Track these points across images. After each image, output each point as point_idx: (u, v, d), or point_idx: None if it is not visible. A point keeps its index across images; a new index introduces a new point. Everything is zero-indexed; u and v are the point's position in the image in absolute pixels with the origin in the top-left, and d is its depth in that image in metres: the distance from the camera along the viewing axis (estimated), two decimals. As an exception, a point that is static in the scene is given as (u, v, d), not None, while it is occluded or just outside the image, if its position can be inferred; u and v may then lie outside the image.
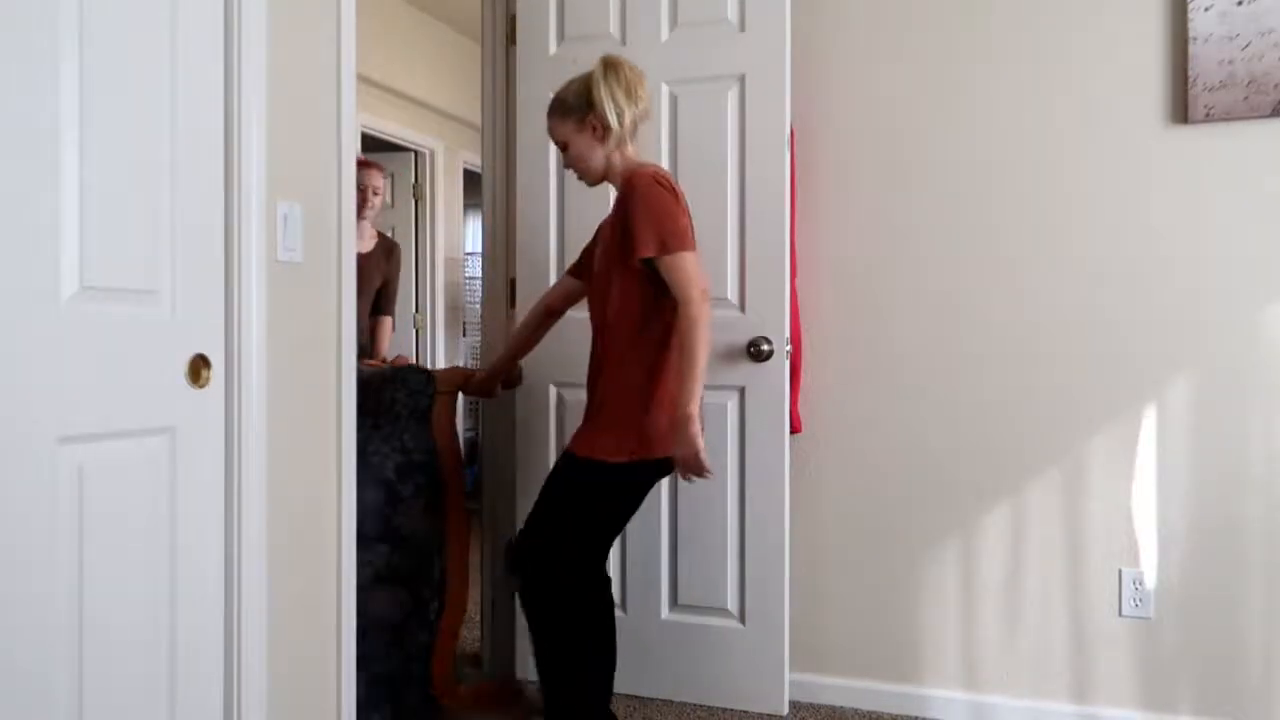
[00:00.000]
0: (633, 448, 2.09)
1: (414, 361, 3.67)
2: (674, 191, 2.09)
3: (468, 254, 6.15)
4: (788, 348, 2.60)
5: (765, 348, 2.59)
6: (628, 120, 2.16)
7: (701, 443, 2.02)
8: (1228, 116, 2.36)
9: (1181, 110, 2.41)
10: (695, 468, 2.03)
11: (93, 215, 1.50)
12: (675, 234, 2.03)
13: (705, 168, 2.66)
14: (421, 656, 2.46)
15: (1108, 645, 2.47)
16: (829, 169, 2.75)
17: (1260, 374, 2.35)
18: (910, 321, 2.68)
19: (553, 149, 2.83)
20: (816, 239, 2.75)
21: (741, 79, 2.61)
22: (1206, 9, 2.36)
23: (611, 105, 2.14)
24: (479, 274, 3.35)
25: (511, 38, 3.00)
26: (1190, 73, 2.38)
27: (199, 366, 1.69)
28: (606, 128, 2.14)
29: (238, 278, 1.75)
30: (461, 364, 5.85)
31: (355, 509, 2.05)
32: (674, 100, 2.70)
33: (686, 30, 2.68)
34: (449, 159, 5.67)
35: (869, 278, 2.71)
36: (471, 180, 5.86)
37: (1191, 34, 2.37)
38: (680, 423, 2.02)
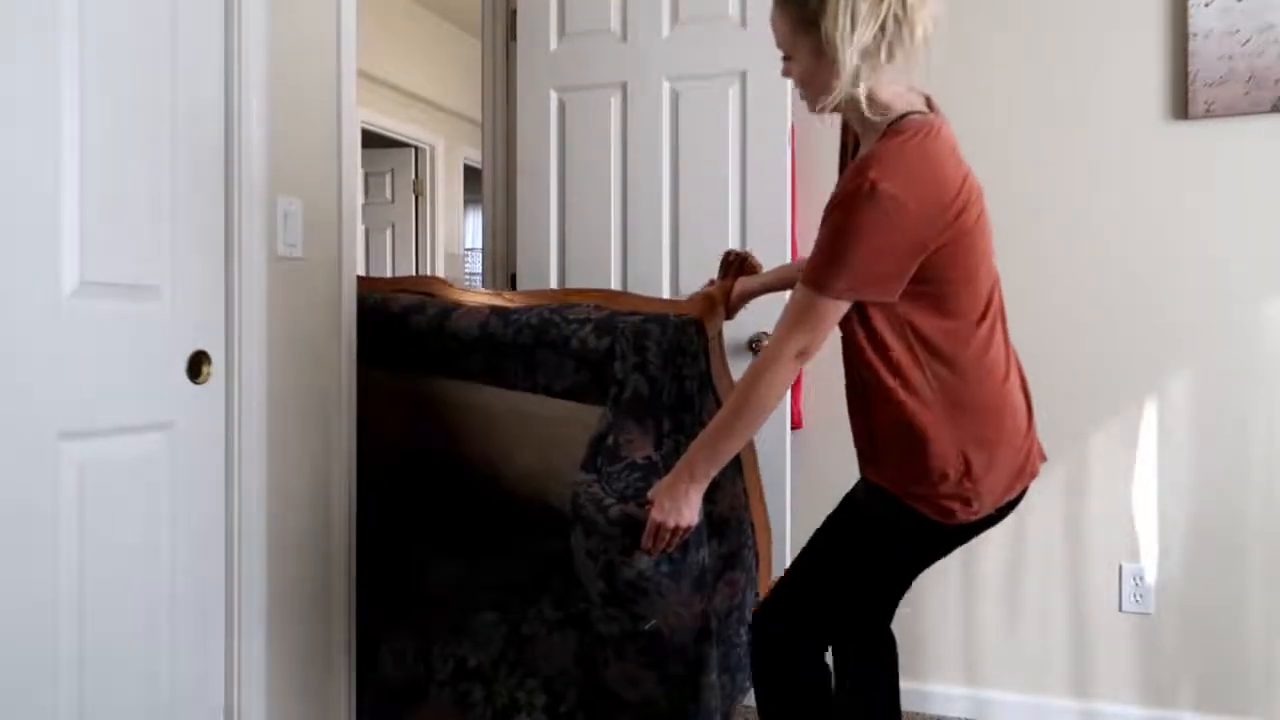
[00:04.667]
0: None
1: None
2: (918, 199, 1.41)
3: (468, 249, 6.15)
4: (788, 344, 2.59)
5: (766, 342, 2.59)
6: (857, 43, 1.44)
7: (695, 519, 1.61)
8: (1228, 112, 2.36)
9: (1182, 106, 2.41)
10: (660, 540, 1.62)
11: (93, 211, 1.50)
12: (840, 271, 1.43)
13: (707, 164, 2.66)
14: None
15: (1108, 640, 2.47)
16: (830, 165, 2.74)
17: (1262, 368, 2.35)
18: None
19: (554, 146, 2.83)
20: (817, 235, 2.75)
21: (743, 76, 2.61)
22: (1206, 4, 2.36)
23: (844, 17, 1.43)
24: (479, 269, 3.35)
25: (512, 33, 3.00)
26: (1190, 68, 2.38)
27: (199, 362, 1.69)
28: (830, 48, 1.45)
29: (238, 273, 1.75)
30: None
31: (356, 505, 2.05)
32: (675, 97, 2.70)
33: (688, 27, 2.68)
34: (449, 155, 5.67)
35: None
36: (472, 176, 5.86)
37: (1192, 30, 2.37)
38: (676, 484, 1.59)
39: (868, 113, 1.50)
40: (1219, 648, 2.38)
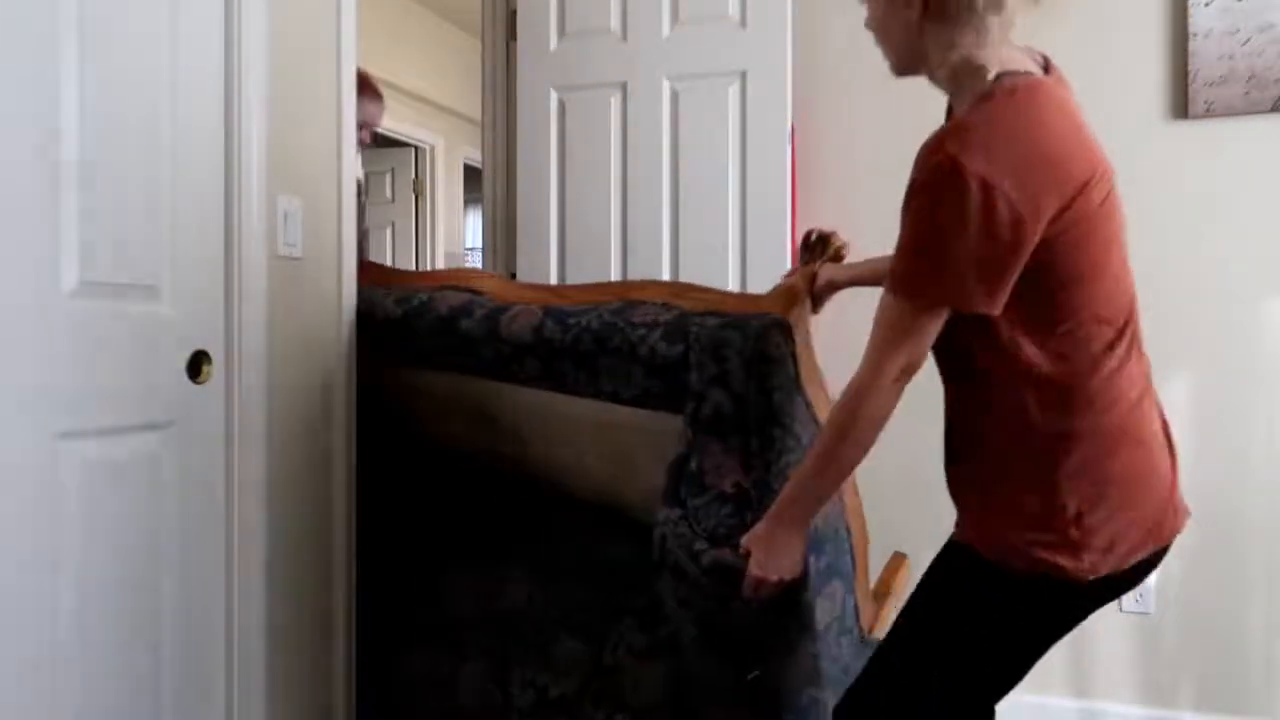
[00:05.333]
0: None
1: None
2: (1029, 172, 1.15)
3: (468, 249, 6.15)
4: (788, 343, 2.59)
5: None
6: None
7: (798, 569, 1.41)
8: (1228, 112, 2.36)
9: (1182, 105, 2.41)
10: (758, 592, 1.41)
11: (93, 210, 1.50)
12: (929, 275, 1.20)
13: (707, 164, 2.66)
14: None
15: (1108, 641, 2.47)
16: (830, 166, 2.74)
17: (1262, 368, 2.35)
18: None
19: (554, 144, 2.84)
20: (817, 235, 2.75)
21: (743, 75, 2.61)
22: (1206, 4, 2.36)
23: None
24: (480, 267, 3.34)
25: (512, 33, 3.00)
26: (1190, 68, 2.38)
27: (199, 362, 1.69)
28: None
29: (238, 273, 1.75)
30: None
31: (356, 505, 2.05)
32: (675, 97, 2.70)
33: (688, 27, 2.68)
34: (449, 154, 5.67)
35: (869, 273, 2.71)
36: (472, 175, 5.86)
37: (1192, 29, 2.37)
38: (773, 532, 1.40)
39: (967, 79, 1.25)
40: (1219, 648, 2.38)
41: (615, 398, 1.89)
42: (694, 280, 2.66)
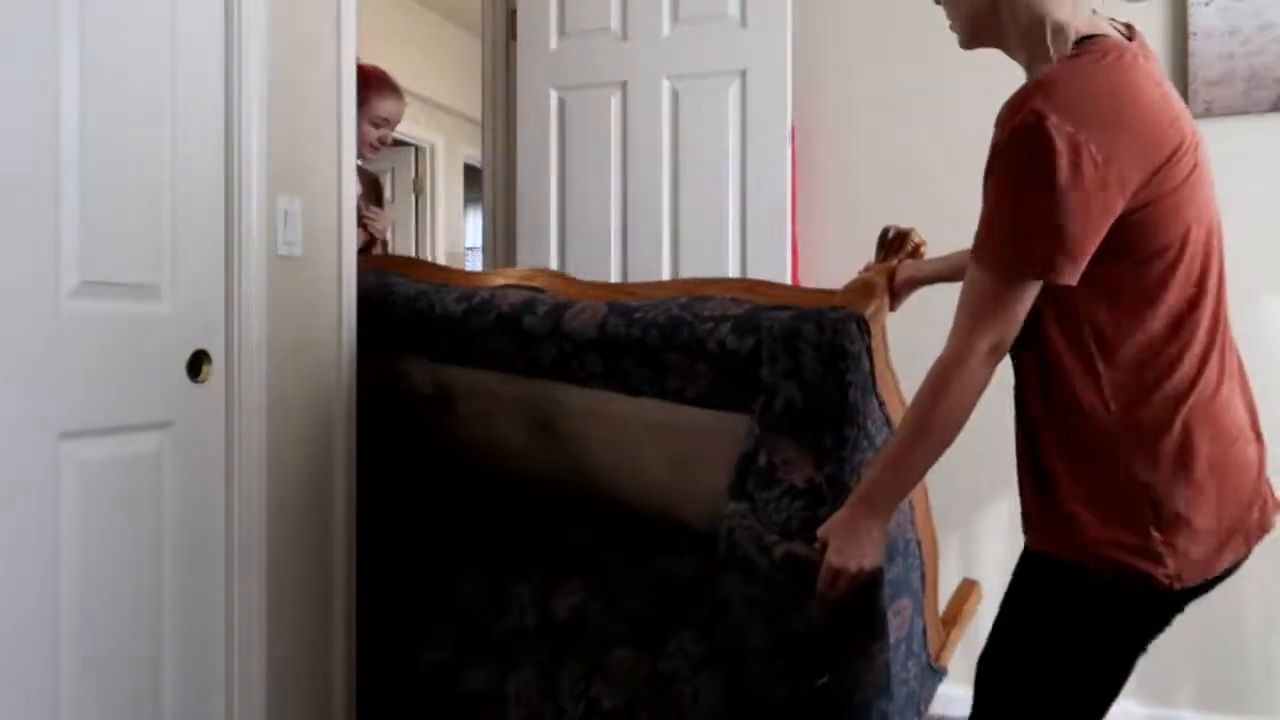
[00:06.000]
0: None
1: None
2: (1107, 139, 1.08)
3: (468, 249, 6.15)
4: (788, 343, 2.59)
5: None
6: None
7: (879, 559, 1.32)
8: (1228, 112, 2.36)
9: (1182, 105, 2.41)
10: (835, 585, 1.32)
11: (93, 210, 1.50)
12: (1015, 244, 1.14)
13: (707, 164, 2.66)
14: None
15: (1107, 640, 2.47)
16: (830, 165, 2.74)
17: (1262, 368, 2.35)
18: (911, 318, 2.68)
19: (554, 143, 2.84)
20: (818, 234, 2.75)
21: (743, 75, 2.61)
22: (1206, 4, 2.36)
23: None
24: (479, 268, 3.35)
25: (512, 32, 3.00)
26: (1190, 68, 2.38)
27: (199, 362, 1.69)
28: None
29: (238, 272, 1.75)
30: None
31: (356, 505, 2.05)
32: (675, 96, 2.70)
33: (688, 26, 2.68)
34: (449, 154, 5.67)
35: (869, 273, 2.71)
36: (472, 175, 5.86)
37: (1191, 29, 2.37)
38: (854, 520, 1.32)
39: (1050, 45, 1.19)
40: (1219, 647, 2.38)
41: (680, 396, 1.82)
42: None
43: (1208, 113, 2.36)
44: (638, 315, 1.84)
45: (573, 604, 1.95)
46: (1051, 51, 1.18)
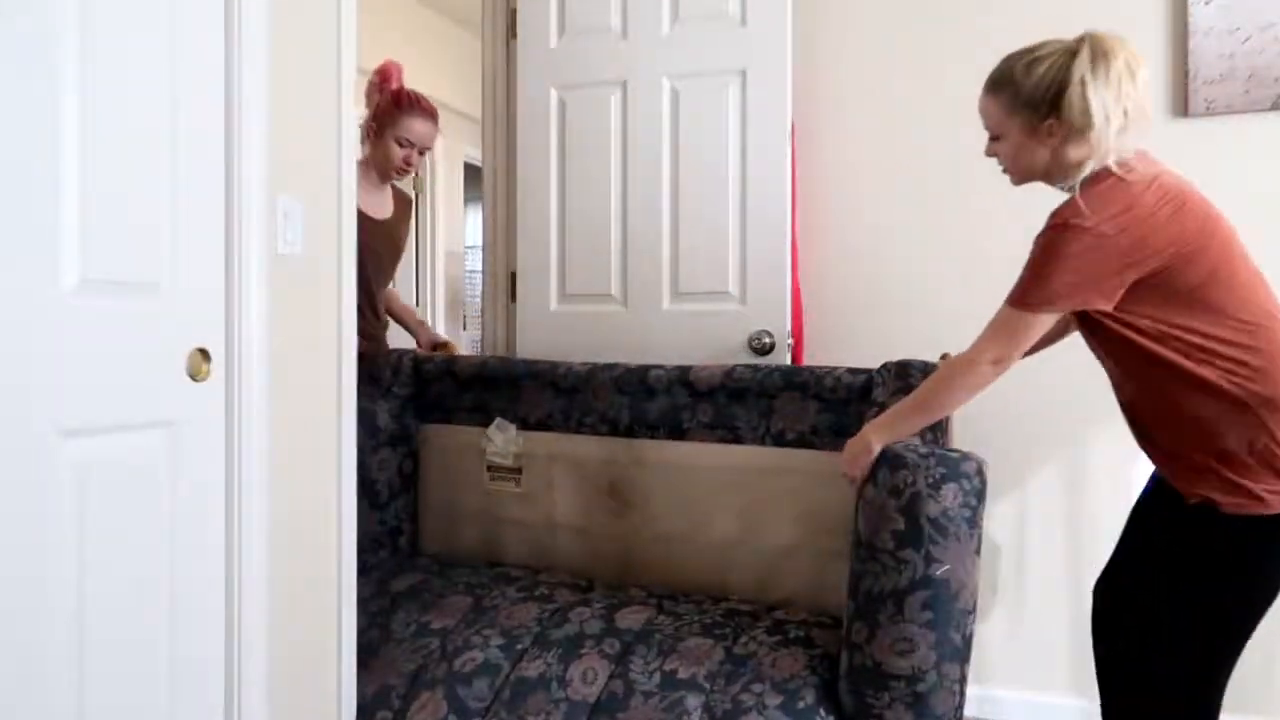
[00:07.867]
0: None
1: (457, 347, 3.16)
2: (1127, 228, 1.51)
3: (468, 247, 6.15)
4: (789, 341, 2.60)
5: (767, 340, 2.59)
6: (1113, 128, 1.56)
7: (862, 472, 1.80)
8: (1228, 110, 2.36)
9: (1182, 104, 2.41)
10: (848, 477, 1.87)
11: (93, 208, 1.50)
12: (1036, 288, 1.57)
13: (707, 163, 2.66)
14: None
15: (1107, 639, 2.48)
16: (830, 164, 2.75)
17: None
18: (912, 316, 2.68)
19: (554, 144, 2.84)
20: (818, 233, 2.75)
21: (743, 73, 2.61)
22: (1207, 2, 2.36)
23: (1098, 107, 1.57)
24: (479, 268, 3.35)
25: (512, 31, 3.00)
26: (1190, 66, 2.38)
27: (199, 360, 1.69)
28: (1079, 130, 1.58)
29: (238, 271, 1.75)
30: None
31: (355, 505, 2.05)
32: (675, 95, 2.70)
33: (688, 24, 2.68)
34: (449, 152, 5.67)
35: (871, 271, 2.71)
36: (472, 174, 5.86)
37: (1192, 27, 2.37)
38: (858, 441, 1.81)
39: (1080, 174, 1.59)
40: (1219, 646, 2.38)
41: (779, 440, 2.29)
42: (695, 279, 2.66)
43: (1208, 112, 2.37)
44: (764, 368, 2.35)
45: (638, 616, 2.17)
46: (1085, 179, 1.57)
